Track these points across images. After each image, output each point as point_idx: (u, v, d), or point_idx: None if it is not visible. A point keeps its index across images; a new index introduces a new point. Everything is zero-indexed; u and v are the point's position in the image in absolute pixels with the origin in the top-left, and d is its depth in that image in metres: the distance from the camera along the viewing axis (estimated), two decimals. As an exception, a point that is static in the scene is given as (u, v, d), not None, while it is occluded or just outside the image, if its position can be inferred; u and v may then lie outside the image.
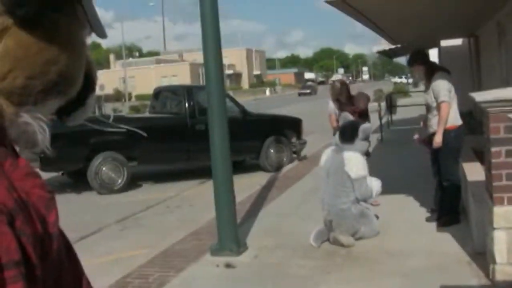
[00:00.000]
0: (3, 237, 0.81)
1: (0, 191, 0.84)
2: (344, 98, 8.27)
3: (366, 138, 6.99)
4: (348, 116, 7.46)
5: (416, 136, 7.55)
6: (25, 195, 0.88)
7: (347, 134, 6.90)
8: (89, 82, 1.06)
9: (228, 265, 6.16)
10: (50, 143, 0.99)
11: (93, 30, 1.00)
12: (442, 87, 6.82)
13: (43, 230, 0.90)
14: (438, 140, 6.81)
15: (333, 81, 8.83)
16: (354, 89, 9.04)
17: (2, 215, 0.82)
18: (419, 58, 7.31)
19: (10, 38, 0.89)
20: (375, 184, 6.88)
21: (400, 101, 27.38)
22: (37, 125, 0.95)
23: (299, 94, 78.56)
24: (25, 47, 0.90)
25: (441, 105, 6.78)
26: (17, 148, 0.97)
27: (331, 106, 8.70)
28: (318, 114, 29.18)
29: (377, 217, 7.01)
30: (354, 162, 6.69)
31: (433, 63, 7.64)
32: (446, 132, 6.82)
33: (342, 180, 6.66)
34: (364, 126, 7.01)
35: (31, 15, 0.88)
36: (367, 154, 7.16)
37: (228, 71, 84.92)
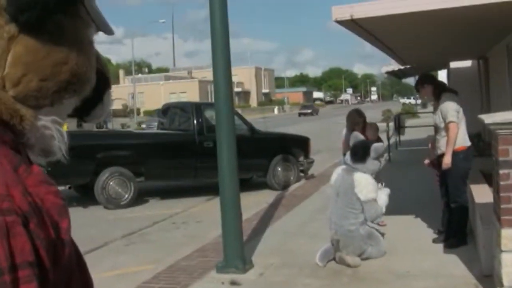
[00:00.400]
0: (18, 238, 0.84)
1: (16, 195, 0.86)
2: (360, 128, 8.24)
3: (378, 157, 6.96)
4: (359, 136, 7.41)
5: (426, 161, 7.52)
6: (39, 201, 0.91)
7: (359, 153, 6.86)
8: (103, 79, 1.10)
9: (233, 283, 6.14)
10: (65, 151, 1.02)
11: (98, 28, 1.04)
12: (451, 108, 6.83)
13: (55, 235, 0.92)
14: (447, 161, 6.80)
15: (351, 111, 8.82)
16: (362, 109, 9.02)
17: (18, 217, 0.84)
18: (426, 79, 7.33)
19: (19, 45, 0.93)
20: (383, 198, 6.84)
21: (409, 122, 27.35)
22: (55, 129, 0.99)
23: (299, 115, 73.60)
24: (33, 52, 0.94)
25: (449, 126, 6.78)
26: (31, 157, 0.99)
27: (345, 134, 8.66)
28: (326, 133, 29.19)
29: (382, 234, 6.98)
30: (364, 184, 6.67)
31: (440, 83, 7.64)
32: (455, 154, 6.80)
33: (351, 202, 6.64)
34: (376, 145, 6.99)
35: (34, 20, 0.91)
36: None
37: (237, 89, 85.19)
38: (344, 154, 7.87)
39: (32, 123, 0.96)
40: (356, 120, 8.35)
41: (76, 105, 1.05)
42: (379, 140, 8.85)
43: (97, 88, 1.08)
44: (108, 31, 1.06)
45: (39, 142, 0.99)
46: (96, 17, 1.02)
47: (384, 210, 6.86)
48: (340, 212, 6.69)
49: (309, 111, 76.17)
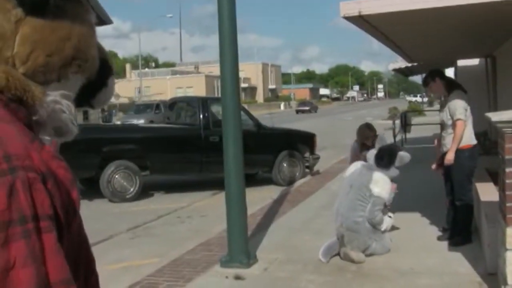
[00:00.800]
0: (38, 193, 0.91)
1: (35, 159, 0.94)
2: (370, 142, 8.19)
3: (400, 166, 6.98)
4: (384, 138, 7.39)
5: (434, 166, 7.47)
6: (53, 171, 0.97)
7: (384, 159, 6.86)
8: (107, 67, 1.20)
9: (237, 277, 6.15)
10: (75, 120, 1.12)
11: (98, 16, 1.15)
12: (459, 105, 6.81)
13: (68, 200, 0.99)
14: (449, 157, 6.78)
15: (362, 125, 8.79)
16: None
17: (37, 175, 0.92)
18: (438, 74, 7.31)
19: (26, 26, 1.03)
20: (387, 220, 6.85)
21: (415, 120, 27.31)
22: (64, 103, 1.08)
23: (297, 112, 70.91)
24: (39, 30, 1.04)
25: (457, 123, 6.76)
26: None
27: (354, 146, 8.60)
28: (331, 130, 29.18)
29: (390, 240, 6.97)
30: (382, 183, 6.71)
31: (451, 79, 7.63)
32: (460, 152, 6.79)
33: (364, 195, 6.65)
34: (402, 154, 7.01)
35: (39, 2, 1.03)
36: None
37: (243, 85, 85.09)
38: (350, 163, 7.91)
39: (41, 99, 1.04)
40: (367, 134, 8.34)
41: (83, 83, 1.13)
42: None
43: (101, 74, 1.17)
44: (107, 20, 1.19)
45: (51, 119, 1.07)
46: (95, 5, 1.14)
47: (382, 228, 6.81)
48: (350, 204, 6.69)
49: (307, 108, 73.98)
